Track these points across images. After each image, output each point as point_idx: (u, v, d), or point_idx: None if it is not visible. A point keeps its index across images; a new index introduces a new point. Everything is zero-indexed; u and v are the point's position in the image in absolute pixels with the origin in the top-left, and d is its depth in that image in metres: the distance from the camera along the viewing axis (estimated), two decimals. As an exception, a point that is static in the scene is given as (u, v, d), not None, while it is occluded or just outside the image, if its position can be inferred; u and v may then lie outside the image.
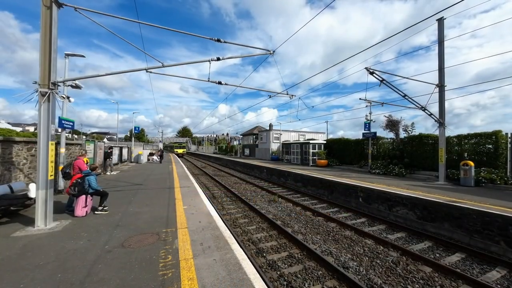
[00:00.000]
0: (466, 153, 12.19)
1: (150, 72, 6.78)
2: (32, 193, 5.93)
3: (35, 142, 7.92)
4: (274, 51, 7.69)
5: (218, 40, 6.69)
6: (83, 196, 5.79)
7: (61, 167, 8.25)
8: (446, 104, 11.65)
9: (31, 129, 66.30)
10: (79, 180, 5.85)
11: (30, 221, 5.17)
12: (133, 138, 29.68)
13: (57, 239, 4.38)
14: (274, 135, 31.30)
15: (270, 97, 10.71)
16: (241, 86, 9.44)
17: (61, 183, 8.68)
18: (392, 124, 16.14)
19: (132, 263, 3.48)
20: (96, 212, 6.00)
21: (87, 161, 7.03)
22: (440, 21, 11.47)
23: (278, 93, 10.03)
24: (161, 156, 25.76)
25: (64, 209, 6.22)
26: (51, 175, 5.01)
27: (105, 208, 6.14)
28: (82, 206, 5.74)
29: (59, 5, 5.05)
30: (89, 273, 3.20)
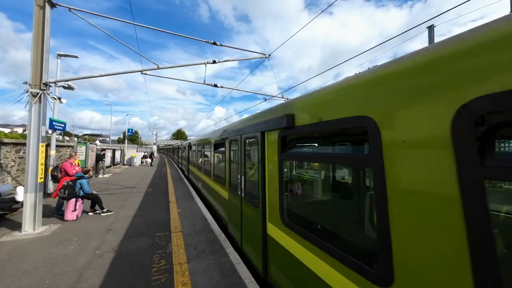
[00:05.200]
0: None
1: (145, 74, 6.73)
2: (19, 197, 5.74)
3: (24, 144, 7.71)
4: (269, 55, 7.77)
5: (214, 43, 6.71)
6: (73, 200, 5.64)
7: (50, 169, 8.05)
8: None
9: (20, 130, 64.61)
10: (70, 183, 5.71)
11: (17, 226, 4.99)
12: (126, 141, 29.22)
13: (45, 244, 4.24)
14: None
15: (265, 100, 10.77)
16: (236, 89, 9.47)
17: (51, 186, 8.45)
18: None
19: (124, 268, 3.40)
20: (102, 214, 6.06)
21: (78, 163, 6.86)
22: (431, 28, 11.83)
23: (273, 96, 10.11)
24: (151, 158, 25.73)
25: (53, 213, 6.04)
26: (40, 178, 4.87)
27: (109, 210, 6.23)
28: (72, 210, 5.59)
29: (53, 5, 4.98)
30: (79, 279, 3.11)
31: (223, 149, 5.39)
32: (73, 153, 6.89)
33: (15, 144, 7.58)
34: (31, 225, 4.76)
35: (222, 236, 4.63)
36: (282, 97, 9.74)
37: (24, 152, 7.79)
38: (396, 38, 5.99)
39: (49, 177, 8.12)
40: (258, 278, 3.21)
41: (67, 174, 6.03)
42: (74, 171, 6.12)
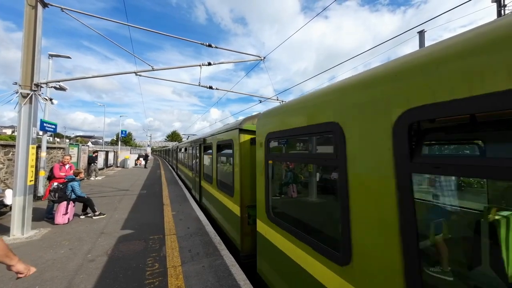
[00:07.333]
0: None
1: (140, 76, 6.68)
2: (8, 200, 5.60)
3: (13, 146, 7.52)
4: (264, 57, 7.82)
5: (210, 45, 6.73)
6: (64, 203, 5.52)
7: (41, 172, 7.87)
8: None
9: (9, 131, 62.87)
10: (61, 185, 5.59)
11: (5, 230, 4.85)
12: (119, 142, 28.78)
13: (35, 248, 4.13)
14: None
15: (260, 102, 10.80)
16: (231, 91, 9.49)
17: (41, 189, 8.25)
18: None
19: (116, 272, 3.34)
20: (94, 217, 5.92)
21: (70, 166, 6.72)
22: (421, 33, 12.14)
23: (268, 98, 10.16)
24: (145, 159, 24.23)
25: (43, 216, 5.89)
26: (30, 180, 4.76)
27: (102, 213, 6.10)
28: (62, 213, 5.46)
29: (44, 5, 4.91)
30: (70, 284, 3.04)
31: None
32: (67, 156, 6.67)
33: (4, 146, 7.38)
34: (20, 229, 4.63)
35: (217, 239, 4.60)
36: (277, 99, 9.80)
37: (13, 154, 7.59)
38: (388, 42, 6.13)
39: (39, 179, 7.95)
40: (253, 280, 3.20)
41: (55, 176, 5.95)
42: (63, 174, 6.02)
